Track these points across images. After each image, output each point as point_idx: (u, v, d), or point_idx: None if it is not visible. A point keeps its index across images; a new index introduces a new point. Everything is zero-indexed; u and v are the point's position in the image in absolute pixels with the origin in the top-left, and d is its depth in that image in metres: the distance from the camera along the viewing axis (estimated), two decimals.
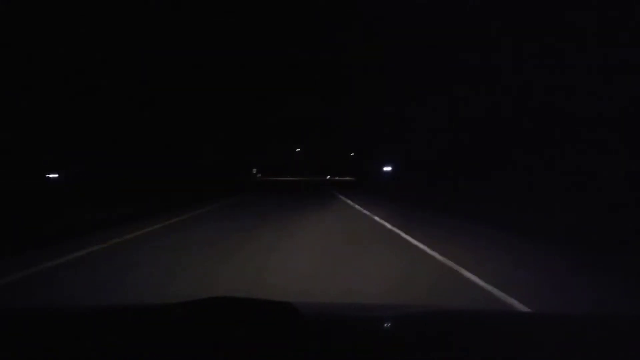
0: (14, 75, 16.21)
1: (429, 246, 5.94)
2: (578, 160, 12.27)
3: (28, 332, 1.12)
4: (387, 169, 39.87)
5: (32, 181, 17.56)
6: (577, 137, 12.46)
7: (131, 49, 22.92)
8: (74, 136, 20.18)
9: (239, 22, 42.23)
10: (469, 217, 9.53)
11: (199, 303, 1.14)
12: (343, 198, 16.84)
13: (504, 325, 1.34)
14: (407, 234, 7.21)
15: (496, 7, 16.18)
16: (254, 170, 79.29)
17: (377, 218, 9.67)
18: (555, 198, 10.83)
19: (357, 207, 12.84)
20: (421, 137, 26.35)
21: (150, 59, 24.71)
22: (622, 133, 10.84)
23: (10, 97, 15.99)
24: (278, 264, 4.99)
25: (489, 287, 3.89)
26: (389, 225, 8.40)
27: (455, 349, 1.05)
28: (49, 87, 18.39)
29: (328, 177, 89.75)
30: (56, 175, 22.55)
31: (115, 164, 22.74)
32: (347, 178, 77.64)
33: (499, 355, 1.03)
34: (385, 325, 1.36)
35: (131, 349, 0.93)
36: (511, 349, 1.07)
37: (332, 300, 3.37)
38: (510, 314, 2.39)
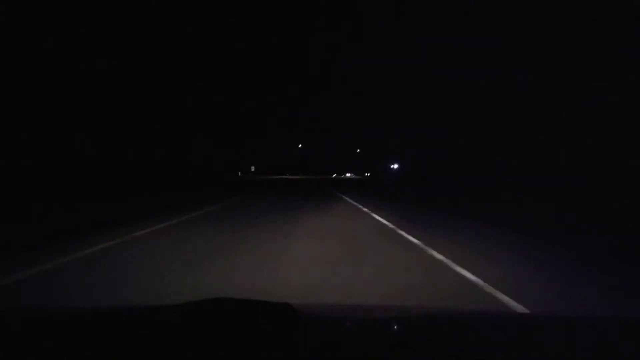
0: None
1: None
2: (580, 160, 12.29)
3: (28, 332, 1.12)
4: (394, 166, 39.99)
5: None
6: (578, 138, 12.48)
7: (129, 46, 22.79)
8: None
9: (238, 21, 42.31)
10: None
11: (198, 304, 1.13)
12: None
13: (503, 326, 1.34)
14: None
15: (496, 8, 16.20)
16: (252, 169, 76.53)
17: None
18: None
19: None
20: (424, 136, 26.41)
21: (146, 57, 24.52)
22: (622, 133, 10.86)
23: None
24: None
25: None
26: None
27: (455, 350, 1.05)
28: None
29: (334, 175, 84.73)
30: None
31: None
32: (357, 176, 74.74)
33: (499, 357, 1.03)
34: (385, 326, 1.35)
35: (131, 350, 0.93)
36: (511, 350, 1.07)
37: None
38: (510, 315, 2.40)
